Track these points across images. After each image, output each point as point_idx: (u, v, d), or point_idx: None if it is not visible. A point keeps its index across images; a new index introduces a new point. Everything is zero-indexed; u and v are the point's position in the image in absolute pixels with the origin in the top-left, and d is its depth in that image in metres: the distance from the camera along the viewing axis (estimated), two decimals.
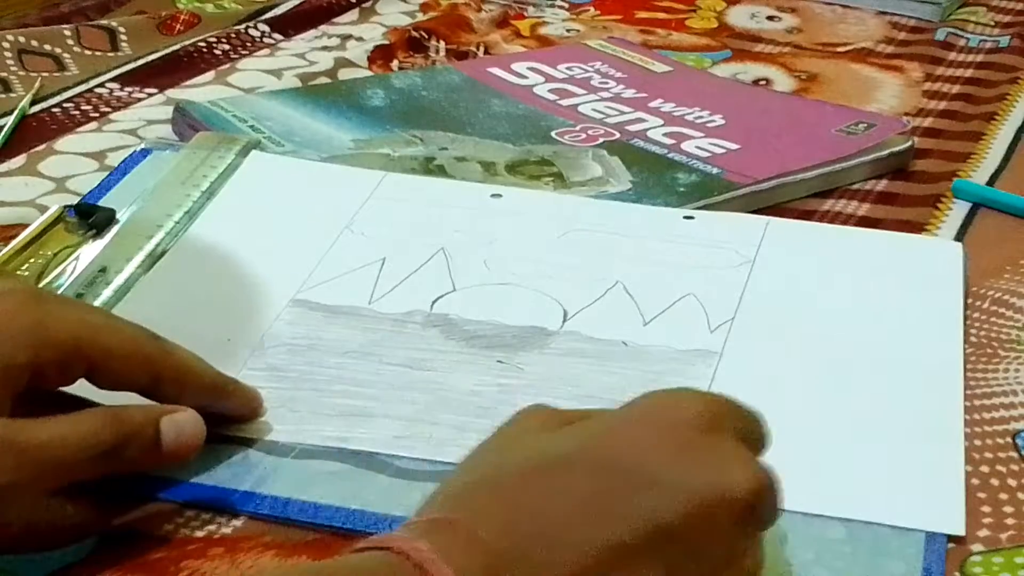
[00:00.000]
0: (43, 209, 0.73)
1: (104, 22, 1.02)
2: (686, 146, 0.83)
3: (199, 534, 0.52)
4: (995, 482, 0.56)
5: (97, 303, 0.64)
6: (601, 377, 0.60)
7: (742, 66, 1.00)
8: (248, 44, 1.00)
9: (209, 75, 0.95)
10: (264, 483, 0.54)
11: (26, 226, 0.70)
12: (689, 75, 0.97)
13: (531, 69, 0.94)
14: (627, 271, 0.68)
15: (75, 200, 0.75)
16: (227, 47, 0.99)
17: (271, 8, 1.07)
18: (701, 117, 0.87)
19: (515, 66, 0.95)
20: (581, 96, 0.91)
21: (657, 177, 0.79)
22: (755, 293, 0.67)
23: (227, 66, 0.96)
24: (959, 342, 0.64)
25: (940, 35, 1.07)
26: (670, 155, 0.82)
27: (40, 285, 0.65)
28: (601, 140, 0.84)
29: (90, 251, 0.68)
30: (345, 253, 0.69)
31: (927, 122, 0.92)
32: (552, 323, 0.64)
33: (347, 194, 0.74)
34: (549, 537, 0.42)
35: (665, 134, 0.85)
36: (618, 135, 0.85)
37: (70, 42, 0.98)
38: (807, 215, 0.78)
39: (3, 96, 0.91)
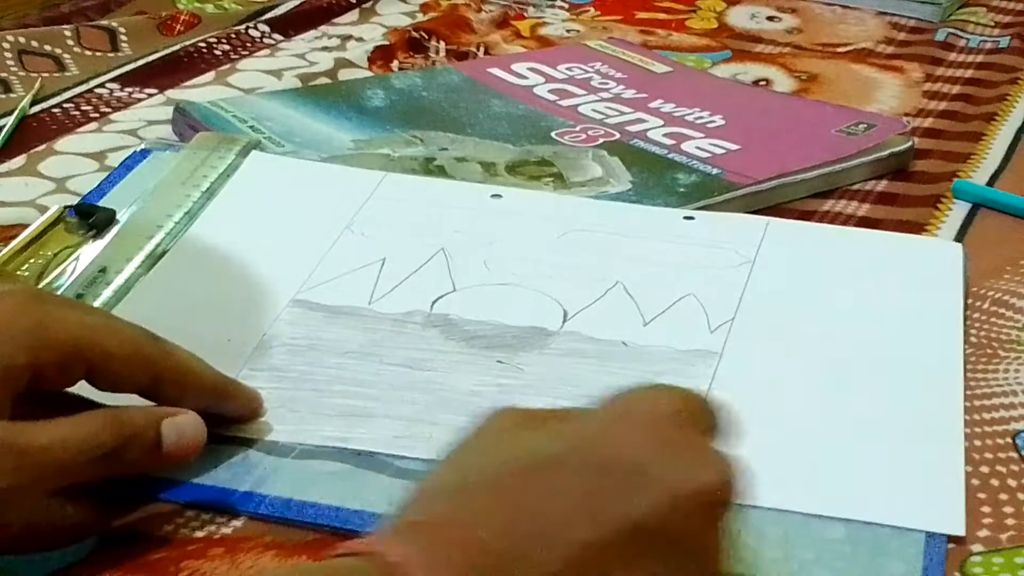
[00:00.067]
0: (43, 209, 0.73)
1: (104, 22, 1.01)
2: (686, 146, 0.83)
3: (199, 534, 0.52)
4: (995, 482, 0.56)
5: (97, 303, 0.64)
6: (601, 377, 0.60)
7: (742, 66, 1.00)
8: (248, 44, 1.00)
9: (209, 75, 0.95)
10: (264, 483, 0.54)
11: (26, 226, 0.70)
12: (689, 76, 0.97)
13: (531, 69, 0.94)
14: (627, 271, 0.68)
15: (75, 200, 0.75)
16: (227, 47, 0.99)
17: (271, 8, 1.07)
18: (701, 117, 0.87)
19: (515, 66, 0.95)
20: (581, 96, 0.91)
21: (657, 177, 0.79)
22: (755, 293, 0.67)
23: (227, 66, 0.96)
24: (959, 342, 0.64)
25: (940, 35, 1.07)
26: (670, 155, 0.82)
27: (40, 285, 0.65)
28: (601, 140, 0.84)
29: (90, 251, 0.68)
30: (345, 253, 0.69)
31: (927, 122, 0.91)
32: (552, 323, 0.64)
33: (347, 194, 0.74)
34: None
35: (665, 134, 0.85)
36: (618, 135, 0.85)
37: (70, 42, 0.98)
38: (807, 215, 0.78)
39: (3, 96, 0.91)
